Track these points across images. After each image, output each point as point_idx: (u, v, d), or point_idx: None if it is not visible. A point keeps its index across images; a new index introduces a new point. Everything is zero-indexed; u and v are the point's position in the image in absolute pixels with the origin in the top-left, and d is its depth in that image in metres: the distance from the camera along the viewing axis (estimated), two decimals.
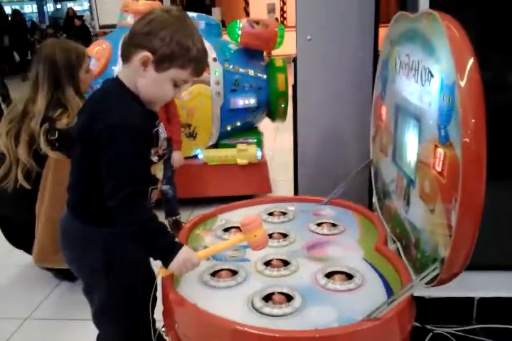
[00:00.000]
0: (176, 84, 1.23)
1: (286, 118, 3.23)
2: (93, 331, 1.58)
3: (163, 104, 1.39)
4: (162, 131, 1.32)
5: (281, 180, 3.46)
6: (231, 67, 2.97)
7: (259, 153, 3.07)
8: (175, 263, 1.17)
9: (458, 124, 0.94)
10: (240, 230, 1.53)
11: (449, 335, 1.74)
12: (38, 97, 2.00)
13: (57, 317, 2.09)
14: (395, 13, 1.46)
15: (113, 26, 9.62)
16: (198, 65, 1.23)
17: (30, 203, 2.03)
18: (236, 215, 1.69)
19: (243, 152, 3.03)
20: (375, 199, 1.73)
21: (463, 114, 0.94)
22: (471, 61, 0.96)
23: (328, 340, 1.02)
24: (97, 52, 2.94)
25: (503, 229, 1.74)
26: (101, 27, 9.19)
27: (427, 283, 1.07)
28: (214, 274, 1.30)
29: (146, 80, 1.21)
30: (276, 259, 1.36)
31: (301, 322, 1.08)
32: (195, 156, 3.10)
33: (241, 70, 3.00)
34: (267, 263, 1.34)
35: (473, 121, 0.94)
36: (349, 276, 1.26)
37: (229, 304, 1.17)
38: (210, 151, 3.08)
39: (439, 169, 1.06)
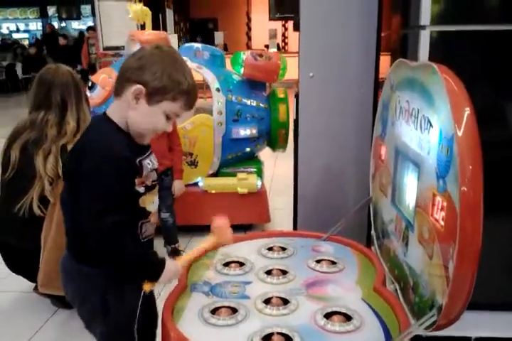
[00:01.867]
0: (168, 117, 1.27)
1: (286, 148, 3.27)
2: None
3: (154, 137, 1.36)
4: (151, 162, 1.33)
5: (281, 209, 3.49)
6: (234, 97, 3.03)
7: (259, 183, 3.11)
8: (164, 277, 1.25)
9: (456, 176, 0.98)
10: (239, 264, 1.59)
11: None
12: (68, 118, 2.11)
13: None
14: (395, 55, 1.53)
15: (117, 48, 9.79)
16: (189, 97, 1.27)
17: (36, 231, 2.05)
18: (235, 249, 1.71)
19: (243, 181, 3.06)
20: (373, 237, 1.75)
21: (461, 165, 0.98)
22: (469, 114, 1.00)
23: None
24: (102, 79, 3.01)
25: (501, 269, 1.76)
26: (105, 49, 9.34)
27: (425, 328, 1.09)
28: (214, 311, 1.32)
29: (137, 113, 1.24)
30: (276, 297, 1.37)
31: None
32: (196, 184, 3.13)
33: (243, 101, 3.06)
34: (267, 301, 1.36)
35: (470, 171, 0.97)
36: (348, 317, 1.28)
37: None
38: (210, 179, 3.11)
39: (437, 217, 1.09)
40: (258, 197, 3.14)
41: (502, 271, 1.76)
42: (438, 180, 1.07)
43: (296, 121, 2.17)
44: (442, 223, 1.05)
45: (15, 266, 2.30)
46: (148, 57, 1.24)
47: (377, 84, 2.04)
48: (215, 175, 3.17)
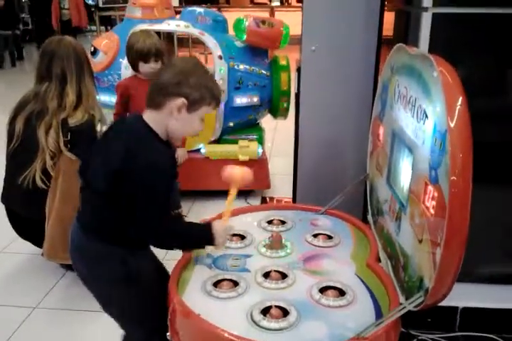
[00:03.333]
0: (202, 119, 1.43)
1: (287, 116, 3.30)
2: (100, 322, 1.69)
3: None
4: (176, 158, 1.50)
5: (280, 174, 3.56)
6: (236, 64, 3.02)
7: (259, 150, 3.16)
8: (218, 240, 1.43)
9: (447, 170, 1.03)
10: (240, 236, 1.67)
11: None
12: (67, 90, 2.13)
13: (64, 308, 2.21)
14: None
15: (116, 2, 9.47)
16: (218, 99, 1.46)
17: (40, 202, 2.13)
18: (237, 222, 1.79)
19: (245, 148, 3.11)
20: (369, 213, 1.83)
21: (452, 158, 1.02)
22: (462, 110, 1.04)
23: None
24: (105, 45, 2.99)
25: (487, 243, 1.84)
26: (104, 2, 9.10)
27: (413, 307, 1.18)
28: (216, 284, 1.41)
29: (179, 122, 1.38)
30: (275, 271, 1.46)
31: (295, 338, 1.18)
32: (198, 150, 3.19)
33: (245, 68, 3.06)
34: (266, 275, 1.45)
35: (460, 164, 1.02)
36: (341, 292, 1.37)
37: (230, 315, 1.27)
38: (212, 147, 3.16)
39: (428, 205, 1.15)
40: (259, 164, 3.20)
41: (488, 245, 1.84)
42: (430, 170, 1.13)
43: (297, 95, 2.19)
44: (432, 211, 1.11)
45: (22, 232, 2.39)
46: (183, 71, 1.37)
47: (379, 60, 2.05)
48: (217, 141, 3.21)
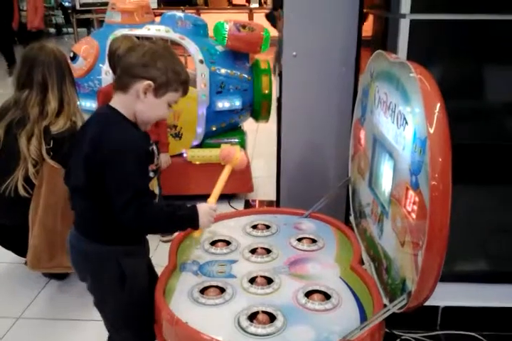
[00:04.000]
0: (169, 105, 1.42)
1: (269, 119, 3.33)
2: (85, 331, 1.66)
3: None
4: (155, 148, 1.47)
5: (263, 177, 3.58)
6: (217, 69, 3.03)
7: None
8: (202, 223, 1.41)
9: (427, 177, 1.05)
10: (225, 242, 1.68)
11: None
12: (49, 97, 2.11)
13: (48, 317, 2.18)
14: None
15: (94, 5, 9.38)
16: (187, 86, 1.43)
17: (23, 210, 2.10)
18: (221, 227, 1.80)
19: None
20: (351, 216, 1.85)
21: (431, 163, 1.05)
22: (441, 117, 1.07)
23: None
24: (84, 50, 2.97)
25: (466, 243, 1.88)
26: (82, 5, 9.00)
27: (397, 309, 1.21)
28: (203, 291, 1.42)
29: (145, 105, 1.37)
30: (261, 276, 1.47)
31: None
32: (180, 155, 3.18)
33: (227, 72, 3.07)
34: (252, 280, 1.46)
35: (440, 169, 1.05)
36: (327, 296, 1.39)
37: (217, 322, 1.28)
38: (194, 151, 3.16)
39: (409, 209, 1.17)
40: None
41: (467, 245, 1.89)
42: (411, 176, 1.15)
43: (279, 99, 2.21)
44: (414, 216, 1.14)
45: (3, 241, 2.36)
46: (151, 53, 1.35)
47: (359, 64, 2.08)
48: (200, 146, 3.21)
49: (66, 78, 2.17)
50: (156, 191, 1.50)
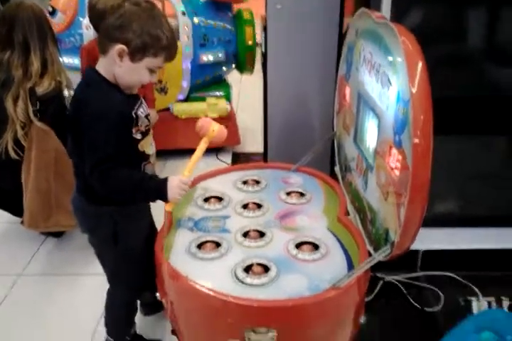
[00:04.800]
0: (152, 70, 1.38)
1: (253, 71, 3.31)
2: (85, 285, 1.74)
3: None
4: (143, 110, 1.46)
5: (249, 129, 3.62)
6: (200, 20, 2.98)
7: (228, 107, 3.19)
8: (172, 195, 1.40)
9: (410, 136, 1.11)
10: (218, 198, 1.75)
11: (397, 282, 2.06)
12: (31, 59, 2.07)
13: (49, 273, 2.28)
14: None
15: None
16: (170, 51, 1.37)
17: (15, 173, 2.14)
18: (214, 183, 1.87)
19: (213, 106, 3.14)
20: (337, 168, 1.92)
21: (414, 122, 1.10)
22: (424, 81, 1.10)
23: (300, 308, 1.26)
24: (63, 4, 2.88)
25: (445, 188, 1.99)
26: None
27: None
28: (200, 246, 1.50)
29: (123, 70, 1.35)
30: (253, 230, 1.56)
31: (277, 291, 1.30)
32: (167, 109, 3.19)
33: (210, 24, 3.02)
34: (245, 234, 1.55)
35: (422, 127, 1.11)
36: (315, 246, 1.49)
37: (215, 275, 1.37)
38: (180, 105, 3.17)
39: (393, 166, 1.24)
40: (228, 120, 3.24)
41: (446, 190, 1.99)
42: (395, 135, 1.21)
43: (264, 54, 2.21)
44: (397, 173, 1.21)
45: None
46: (128, 15, 1.30)
47: (343, 17, 2.07)
48: (185, 100, 3.22)
49: (48, 37, 2.13)
50: (148, 151, 1.52)
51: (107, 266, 1.65)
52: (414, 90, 1.10)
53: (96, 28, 2.38)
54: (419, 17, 1.65)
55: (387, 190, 1.29)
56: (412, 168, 1.12)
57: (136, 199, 1.45)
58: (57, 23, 2.82)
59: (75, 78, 2.51)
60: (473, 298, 2.03)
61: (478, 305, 2.01)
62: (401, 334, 1.94)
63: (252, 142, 3.50)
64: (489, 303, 2.02)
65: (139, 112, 1.42)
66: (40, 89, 2.08)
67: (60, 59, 2.29)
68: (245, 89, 4.49)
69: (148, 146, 1.52)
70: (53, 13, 2.85)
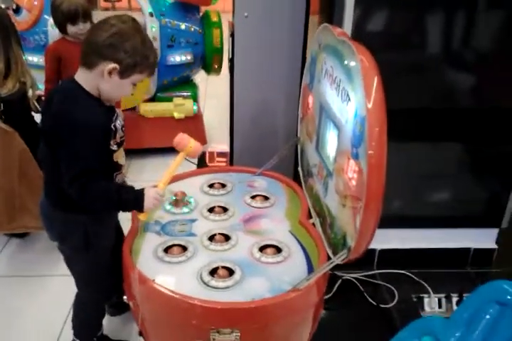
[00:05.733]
0: (134, 84, 1.45)
1: (220, 73, 3.36)
2: (49, 287, 1.74)
3: None
4: (120, 121, 1.51)
5: (216, 128, 3.66)
6: (167, 21, 3.00)
7: (195, 108, 3.22)
8: (148, 205, 1.46)
9: (366, 150, 1.20)
10: (184, 194, 1.80)
11: (354, 280, 2.17)
12: None
13: (15, 274, 2.27)
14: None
15: None
16: (153, 67, 1.46)
17: None
18: (181, 186, 1.91)
19: (180, 106, 3.17)
20: (300, 173, 2.01)
21: (369, 137, 1.18)
22: (379, 100, 1.18)
23: (261, 309, 1.33)
24: (28, 2, 2.85)
25: (400, 191, 2.11)
26: None
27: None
28: (167, 250, 1.55)
29: (109, 85, 1.40)
30: (219, 234, 1.62)
31: (241, 293, 1.37)
32: (133, 109, 3.21)
33: (177, 25, 3.04)
34: (211, 238, 1.61)
35: (376, 149, 1.19)
36: (278, 249, 1.56)
37: (182, 278, 1.43)
38: (147, 105, 3.19)
39: (350, 176, 1.33)
40: (195, 121, 3.29)
41: (401, 192, 2.11)
42: (352, 148, 1.29)
43: (231, 60, 2.26)
44: (354, 183, 1.30)
45: None
46: (120, 34, 1.35)
47: (307, 27, 2.15)
48: (152, 100, 3.24)
49: (11, 37, 2.11)
50: (121, 162, 1.56)
51: (76, 272, 1.68)
52: (369, 105, 1.18)
53: (60, 28, 2.39)
54: (380, 29, 1.74)
55: (345, 198, 1.38)
56: (367, 179, 1.20)
57: (112, 209, 1.53)
58: (22, 21, 2.79)
59: (39, 77, 2.52)
60: (425, 295, 2.16)
61: (430, 301, 2.14)
62: (358, 329, 2.04)
63: (219, 141, 3.55)
64: (439, 300, 2.15)
65: (117, 124, 1.48)
66: (4, 91, 2.07)
67: (24, 58, 2.28)
68: (212, 88, 4.51)
69: (122, 157, 1.56)
70: (18, 10, 2.82)
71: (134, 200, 1.46)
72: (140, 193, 1.46)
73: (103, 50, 1.35)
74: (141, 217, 1.53)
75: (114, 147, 1.47)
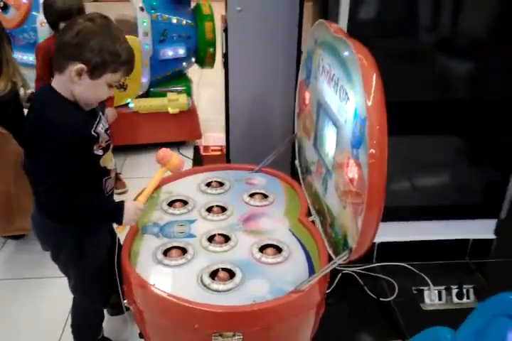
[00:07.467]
0: (110, 85, 1.37)
1: (214, 65, 3.32)
2: (48, 288, 1.73)
3: None
4: (103, 125, 1.45)
5: (212, 121, 3.63)
6: (159, 16, 2.95)
7: (189, 102, 3.19)
8: (126, 219, 1.44)
9: (366, 150, 1.18)
10: (183, 202, 1.78)
11: (354, 274, 2.17)
12: None
13: (14, 277, 2.25)
14: None
15: None
16: (128, 66, 1.38)
17: None
18: (178, 186, 1.89)
19: (174, 101, 3.14)
20: (298, 170, 1.99)
21: (370, 137, 1.16)
22: (379, 100, 1.16)
23: (263, 312, 1.32)
24: (15, 0, 2.79)
25: (396, 183, 2.10)
26: None
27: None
28: (166, 252, 1.53)
29: (81, 87, 1.33)
30: (218, 234, 1.60)
31: (243, 296, 1.36)
32: (126, 105, 3.17)
33: (169, 19, 2.99)
34: (211, 239, 1.59)
35: (377, 148, 1.17)
36: (278, 249, 1.55)
37: (182, 282, 1.41)
38: (140, 101, 3.15)
39: (350, 176, 1.31)
40: (189, 115, 3.26)
41: (399, 187, 2.10)
42: (352, 148, 1.27)
43: (226, 55, 2.23)
44: (354, 184, 1.28)
45: None
46: (84, 32, 1.28)
47: (302, 20, 2.12)
48: (146, 95, 3.20)
49: (2, 37, 2.07)
50: (110, 166, 1.52)
51: (72, 279, 1.65)
52: (369, 104, 1.15)
53: (52, 26, 2.34)
54: (376, 17, 1.71)
55: (346, 198, 1.36)
56: (368, 179, 1.19)
57: (91, 219, 1.48)
58: (10, 18, 2.74)
59: (30, 75, 2.48)
60: (425, 288, 2.16)
61: (430, 294, 2.15)
62: (358, 323, 2.05)
63: (213, 135, 3.53)
64: (439, 292, 2.15)
65: (99, 129, 1.42)
66: (1, 85, 2.03)
67: (13, 56, 2.23)
68: (206, 81, 4.47)
69: (109, 161, 1.51)
70: (5, 8, 2.76)
71: (114, 214, 1.44)
72: (119, 207, 1.44)
73: (68, 51, 1.28)
74: (119, 229, 1.52)
75: (99, 152, 1.41)
